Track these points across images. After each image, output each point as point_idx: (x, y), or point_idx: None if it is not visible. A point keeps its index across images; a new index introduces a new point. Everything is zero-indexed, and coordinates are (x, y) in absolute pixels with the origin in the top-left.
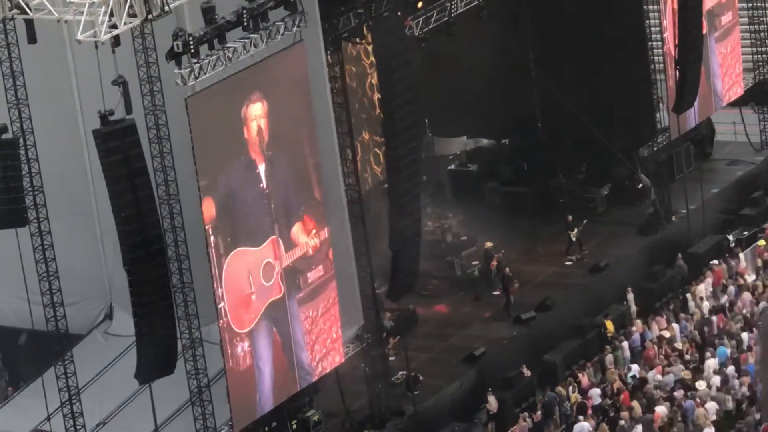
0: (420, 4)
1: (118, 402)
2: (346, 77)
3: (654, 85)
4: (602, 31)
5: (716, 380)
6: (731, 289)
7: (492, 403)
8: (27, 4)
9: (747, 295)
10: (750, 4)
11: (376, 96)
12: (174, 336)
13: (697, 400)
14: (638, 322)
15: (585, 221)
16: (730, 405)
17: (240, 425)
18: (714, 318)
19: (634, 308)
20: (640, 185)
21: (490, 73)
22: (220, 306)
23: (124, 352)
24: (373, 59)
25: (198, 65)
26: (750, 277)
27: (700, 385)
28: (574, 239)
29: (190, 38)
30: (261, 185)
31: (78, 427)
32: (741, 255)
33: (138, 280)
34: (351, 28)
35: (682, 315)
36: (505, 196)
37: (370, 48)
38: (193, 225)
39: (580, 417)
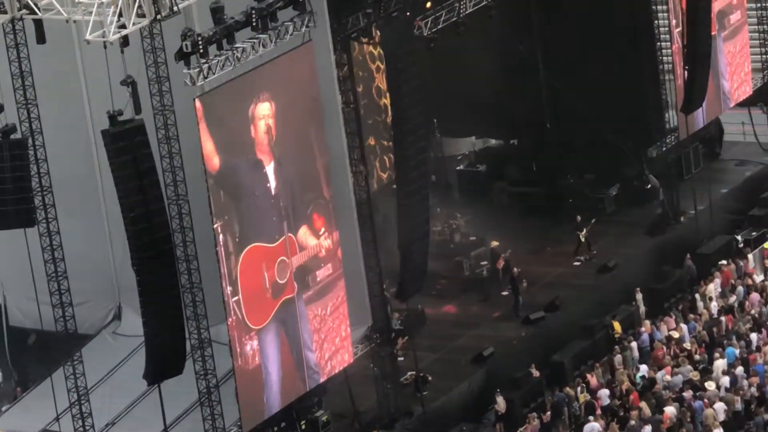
0: (429, 4)
1: (126, 402)
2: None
3: (663, 86)
4: (611, 31)
5: (725, 381)
6: (740, 289)
7: (500, 403)
8: (36, 4)
9: (756, 296)
10: (759, 4)
11: (383, 101)
12: (183, 336)
13: (706, 400)
14: (647, 322)
15: (593, 221)
16: (739, 406)
17: (249, 426)
18: (723, 318)
19: (642, 308)
20: (649, 185)
21: (499, 74)
22: (233, 300)
23: (132, 352)
24: (379, 63)
25: (207, 65)
26: (759, 278)
27: (709, 385)
28: (582, 239)
29: (199, 38)
30: (269, 185)
31: (87, 428)
32: (750, 255)
33: (147, 280)
34: (360, 28)
35: (691, 315)
36: (514, 197)
37: (375, 52)
38: (201, 225)
39: (590, 417)
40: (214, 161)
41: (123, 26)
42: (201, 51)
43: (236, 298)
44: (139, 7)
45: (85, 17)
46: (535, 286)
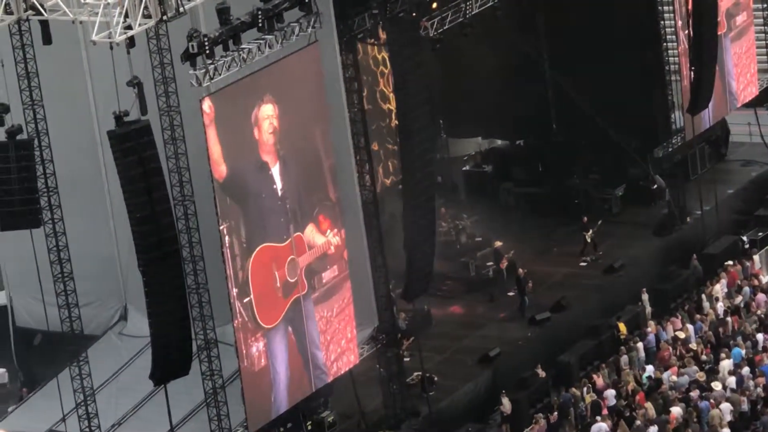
0: (435, 5)
1: (133, 403)
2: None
3: (669, 86)
4: (617, 31)
5: (731, 381)
6: (746, 290)
7: (506, 404)
8: (42, 5)
9: (762, 296)
10: (765, 5)
11: (386, 106)
12: (189, 337)
13: (712, 401)
14: (653, 323)
15: (600, 222)
16: (745, 406)
17: (255, 426)
18: (729, 319)
19: (648, 309)
20: (655, 186)
21: (505, 74)
22: (245, 301)
23: (139, 353)
24: (383, 68)
25: (213, 66)
26: (765, 278)
27: (716, 385)
28: (588, 240)
29: (205, 39)
30: (275, 186)
31: (93, 428)
32: (756, 256)
33: (153, 281)
34: (366, 29)
35: (697, 316)
36: (520, 197)
37: (379, 56)
38: (207, 226)
39: (597, 418)
40: (221, 168)
41: (129, 27)
42: (207, 52)
43: (247, 299)
44: (145, 8)
45: (91, 18)
46: (541, 286)
